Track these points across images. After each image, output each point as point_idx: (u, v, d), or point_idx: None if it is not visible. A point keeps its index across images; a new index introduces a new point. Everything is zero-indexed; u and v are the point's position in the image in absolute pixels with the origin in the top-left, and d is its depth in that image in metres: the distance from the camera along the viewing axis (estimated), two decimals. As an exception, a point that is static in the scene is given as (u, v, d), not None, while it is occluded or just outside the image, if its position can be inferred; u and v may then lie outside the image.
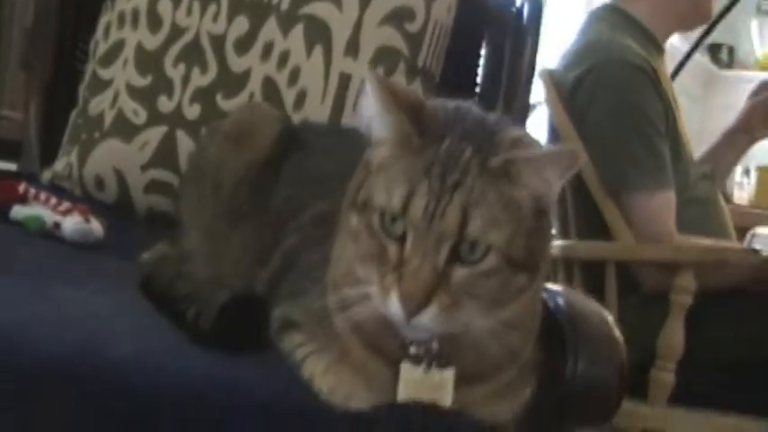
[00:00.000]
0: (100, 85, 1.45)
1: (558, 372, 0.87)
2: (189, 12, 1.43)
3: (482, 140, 0.78)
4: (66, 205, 1.21)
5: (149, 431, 0.78)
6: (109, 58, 1.46)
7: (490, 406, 0.84)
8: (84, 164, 1.42)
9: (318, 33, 1.41)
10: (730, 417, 1.82)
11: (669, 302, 1.80)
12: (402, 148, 0.78)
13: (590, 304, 0.93)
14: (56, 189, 1.39)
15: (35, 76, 1.54)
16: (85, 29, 1.55)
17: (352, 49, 1.41)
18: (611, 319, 0.92)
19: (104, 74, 1.46)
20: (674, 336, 1.79)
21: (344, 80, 1.40)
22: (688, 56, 2.87)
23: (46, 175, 1.47)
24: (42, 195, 1.24)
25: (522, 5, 1.47)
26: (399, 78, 1.42)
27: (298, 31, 1.41)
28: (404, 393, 0.81)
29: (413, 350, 0.81)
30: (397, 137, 0.79)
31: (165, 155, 1.40)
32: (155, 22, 1.44)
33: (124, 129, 1.42)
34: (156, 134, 1.40)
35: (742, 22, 4.44)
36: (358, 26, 1.41)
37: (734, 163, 2.36)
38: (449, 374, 0.81)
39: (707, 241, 1.97)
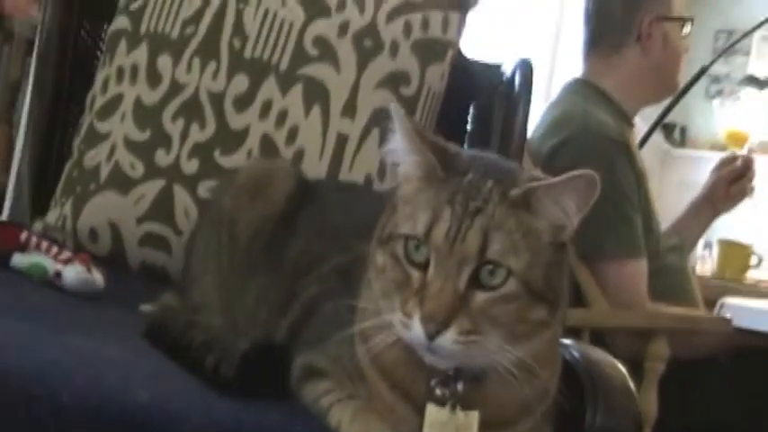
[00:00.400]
0: (97, 138, 1.46)
1: (577, 423, 0.88)
2: (189, 69, 1.45)
3: (503, 176, 0.82)
4: (66, 254, 1.21)
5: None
6: (106, 111, 1.47)
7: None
8: (78, 216, 1.42)
9: (317, 94, 1.44)
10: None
11: (643, 370, 1.84)
12: (427, 181, 0.82)
13: (605, 356, 0.96)
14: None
15: (30, 128, 1.54)
16: (81, 82, 1.56)
17: (350, 110, 1.44)
18: (625, 370, 0.94)
19: (101, 127, 1.46)
20: (648, 403, 1.83)
21: (342, 140, 1.43)
22: (648, 134, 2.96)
23: (36, 226, 1.45)
24: (44, 244, 1.22)
25: (514, 74, 1.52)
26: (394, 140, 1.45)
27: (296, 91, 1.44)
28: None
29: (438, 392, 0.82)
30: (423, 171, 0.83)
31: (161, 208, 1.40)
32: (154, 77, 1.46)
33: (121, 181, 1.42)
34: (152, 188, 1.41)
35: (693, 104, 4.61)
36: (355, 88, 1.45)
37: (699, 235, 2.44)
38: (473, 416, 0.82)
39: (679, 309, 2.02)
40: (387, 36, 1.47)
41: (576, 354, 0.93)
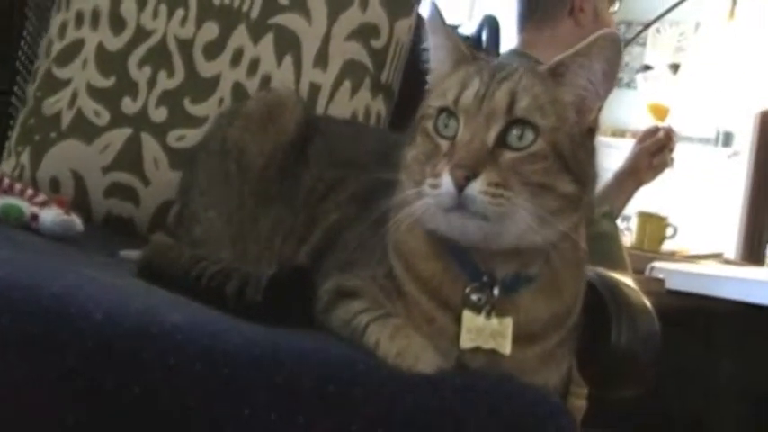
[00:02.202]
0: (56, 85, 1.39)
1: (600, 341, 0.91)
2: (155, 14, 1.40)
3: (527, 63, 0.85)
4: (42, 197, 1.15)
5: (225, 392, 0.75)
6: (66, 57, 1.40)
7: (542, 370, 0.86)
8: (38, 165, 1.35)
9: (288, 44, 1.42)
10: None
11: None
12: (456, 66, 0.86)
13: (620, 277, 0.98)
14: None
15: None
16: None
17: (321, 61, 1.42)
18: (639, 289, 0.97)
19: (61, 73, 1.39)
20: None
21: (314, 90, 1.41)
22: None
23: (-9, 177, 1.37)
24: (17, 187, 1.16)
25: (481, 30, 1.54)
26: (365, 93, 1.44)
27: (268, 39, 1.41)
28: (466, 341, 0.83)
29: (474, 298, 0.83)
30: (453, 58, 0.87)
31: (128, 157, 1.35)
32: (118, 23, 1.40)
33: (84, 129, 1.36)
34: (119, 136, 1.35)
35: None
36: (326, 40, 1.43)
37: (624, 205, 2.52)
38: (508, 322, 0.83)
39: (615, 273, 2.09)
40: (357, -9, 1.46)
41: (592, 274, 0.95)
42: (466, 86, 0.81)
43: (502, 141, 0.79)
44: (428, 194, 0.79)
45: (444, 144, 0.81)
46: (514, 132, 0.79)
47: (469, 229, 0.79)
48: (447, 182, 0.77)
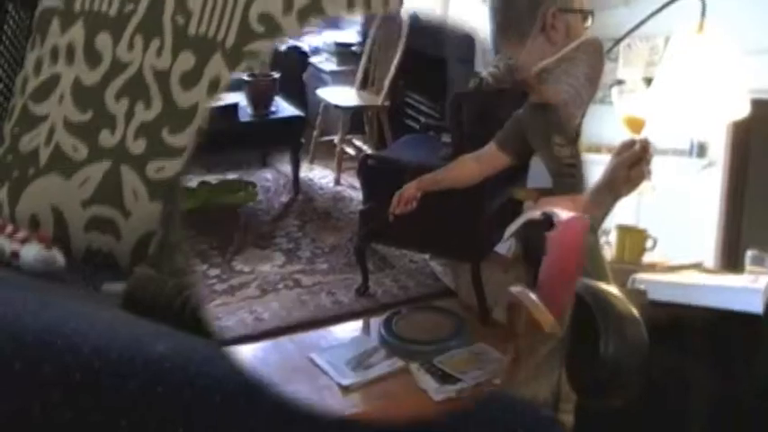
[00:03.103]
0: (33, 121, 1.39)
1: (588, 350, 0.91)
2: (131, 46, 1.41)
3: None
4: (22, 233, 1.14)
5: (214, 420, 0.74)
6: (42, 93, 1.40)
7: (532, 384, 0.87)
8: (16, 202, 1.35)
9: (264, 71, 1.42)
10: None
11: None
12: None
13: (606, 286, 0.98)
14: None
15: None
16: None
17: (298, 87, 1.43)
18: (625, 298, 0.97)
19: (37, 110, 1.40)
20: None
21: (291, 117, 1.42)
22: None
23: (-33, 217, 1.37)
24: (-4, 223, 1.16)
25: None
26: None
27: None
28: None
29: None
30: None
31: (108, 191, 1.35)
32: (93, 57, 1.40)
33: (63, 165, 1.36)
34: (98, 170, 1.35)
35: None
36: (303, 66, 1.44)
37: (602, 219, 2.54)
38: None
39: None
40: (332, 13, 1.47)
41: (579, 284, 0.95)
42: None
43: None
44: None
45: None
46: None
47: None
48: None
